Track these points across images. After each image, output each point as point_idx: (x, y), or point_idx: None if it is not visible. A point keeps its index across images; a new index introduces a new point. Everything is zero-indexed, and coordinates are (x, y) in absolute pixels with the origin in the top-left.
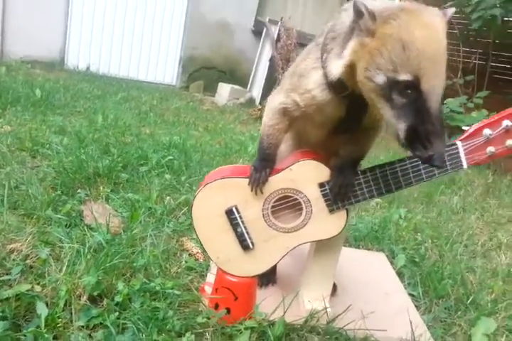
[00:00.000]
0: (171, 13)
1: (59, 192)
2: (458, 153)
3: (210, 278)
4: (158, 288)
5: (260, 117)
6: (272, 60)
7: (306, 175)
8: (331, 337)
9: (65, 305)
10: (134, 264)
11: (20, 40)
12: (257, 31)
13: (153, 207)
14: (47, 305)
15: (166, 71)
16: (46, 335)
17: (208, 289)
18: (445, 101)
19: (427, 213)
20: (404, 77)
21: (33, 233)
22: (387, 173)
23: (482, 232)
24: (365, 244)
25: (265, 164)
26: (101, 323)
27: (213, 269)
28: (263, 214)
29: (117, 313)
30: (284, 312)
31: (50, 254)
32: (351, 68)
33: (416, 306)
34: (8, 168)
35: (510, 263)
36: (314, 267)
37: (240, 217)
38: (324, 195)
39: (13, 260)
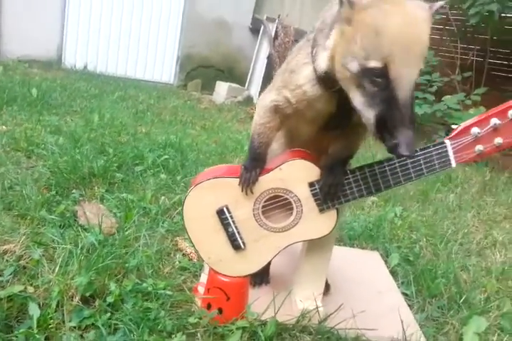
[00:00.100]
0: (168, 12)
1: (53, 192)
2: (446, 151)
3: (204, 278)
4: (150, 288)
5: None
6: (269, 57)
7: (295, 175)
8: (323, 337)
9: (57, 305)
10: (127, 265)
11: (18, 40)
12: (255, 29)
13: (147, 207)
14: (39, 305)
15: (163, 70)
16: (38, 336)
17: (201, 289)
18: (443, 99)
19: (422, 211)
20: (374, 63)
21: (26, 234)
22: (376, 172)
23: (478, 230)
24: (360, 242)
25: (255, 164)
26: (93, 324)
27: (207, 269)
28: (254, 214)
29: (109, 314)
30: (276, 312)
31: (43, 255)
32: (335, 60)
33: (409, 305)
34: (3, 168)
35: (504, 261)
36: (306, 266)
37: (231, 217)
38: (314, 195)
39: (7, 261)
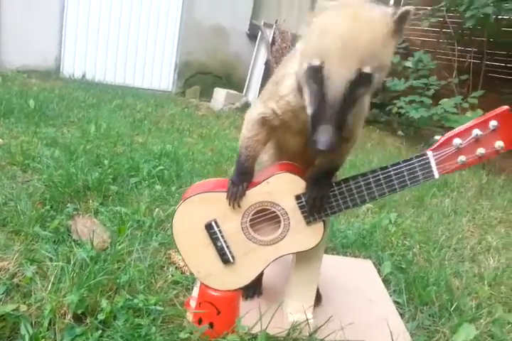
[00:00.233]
0: (165, 19)
1: (48, 207)
2: (429, 163)
3: (196, 291)
4: (141, 304)
5: None
6: (267, 63)
7: (282, 188)
8: None
9: (49, 324)
10: (118, 281)
11: (16, 50)
12: (252, 35)
13: (141, 220)
14: (31, 324)
15: (161, 77)
16: None
17: (193, 303)
18: (440, 102)
19: (417, 217)
20: (315, 62)
21: (20, 251)
22: (361, 184)
23: (473, 235)
24: (353, 251)
25: (243, 178)
26: None
27: (199, 282)
28: (242, 228)
29: (100, 331)
30: (267, 325)
31: (36, 272)
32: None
33: (400, 314)
34: None
35: (497, 266)
36: (295, 278)
37: (220, 231)
38: (301, 207)
39: (0, 279)
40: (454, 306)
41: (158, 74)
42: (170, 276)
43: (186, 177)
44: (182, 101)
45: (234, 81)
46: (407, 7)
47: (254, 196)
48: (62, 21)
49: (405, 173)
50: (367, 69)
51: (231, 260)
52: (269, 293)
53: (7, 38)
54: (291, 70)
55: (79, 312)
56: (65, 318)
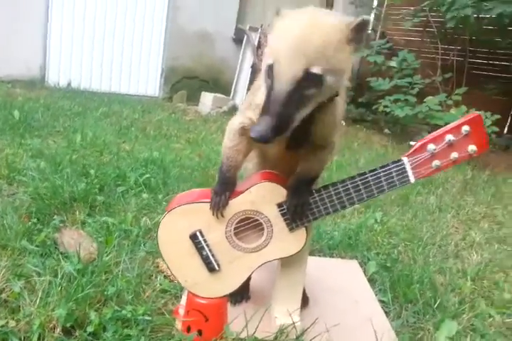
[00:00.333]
0: (150, 25)
1: (34, 220)
2: (404, 168)
3: (185, 299)
4: (129, 315)
5: None
6: (253, 67)
7: (264, 197)
8: None
9: (38, 338)
10: (106, 292)
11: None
12: (238, 39)
13: (128, 229)
14: (20, 340)
15: (148, 83)
16: None
17: (182, 311)
18: (425, 100)
19: (402, 215)
20: (269, 61)
21: (7, 266)
22: (340, 190)
23: (457, 231)
24: (339, 252)
25: (225, 187)
26: None
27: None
28: (226, 236)
29: None
30: (255, 330)
31: (24, 287)
32: None
33: (386, 312)
34: None
35: (480, 261)
36: (281, 282)
37: (205, 241)
38: (283, 215)
39: None
40: (437, 303)
41: (144, 79)
42: (158, 285)
43: (173, 184)
44: (169, 106)
45: (221, 85)
46: (365, 17)
47: (237, 205)
48: (47, 30)
49: (382, 179)
50: (315, 70)
51: (216, 268)
52: (257, 297)
53: None
54: None
55: (68, 325)
56: (54, 332)
